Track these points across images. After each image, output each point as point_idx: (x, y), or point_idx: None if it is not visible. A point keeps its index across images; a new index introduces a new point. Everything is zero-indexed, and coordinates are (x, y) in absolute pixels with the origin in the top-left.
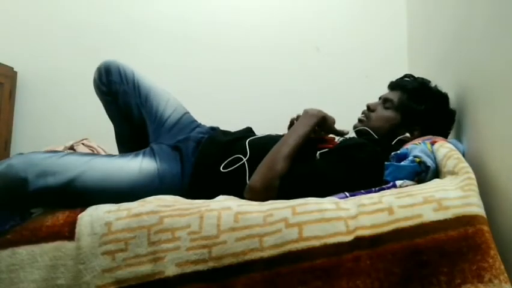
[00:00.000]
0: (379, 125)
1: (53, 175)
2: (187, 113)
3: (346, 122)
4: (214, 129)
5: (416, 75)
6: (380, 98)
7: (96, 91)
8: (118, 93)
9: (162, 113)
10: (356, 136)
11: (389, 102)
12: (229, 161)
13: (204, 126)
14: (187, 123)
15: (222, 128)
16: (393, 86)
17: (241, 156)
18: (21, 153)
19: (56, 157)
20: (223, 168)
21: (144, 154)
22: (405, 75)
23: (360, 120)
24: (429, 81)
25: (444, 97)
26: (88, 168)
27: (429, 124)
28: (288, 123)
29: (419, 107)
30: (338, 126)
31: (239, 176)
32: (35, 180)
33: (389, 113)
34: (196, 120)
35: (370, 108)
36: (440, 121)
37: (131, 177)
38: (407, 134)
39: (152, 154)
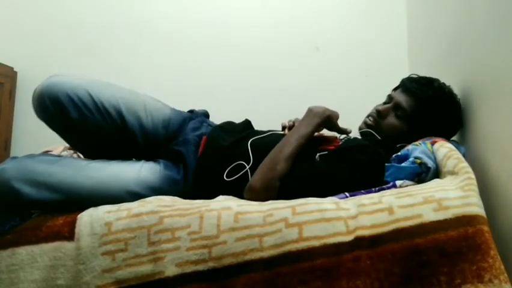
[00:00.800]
0: (388, 132)
1: (47, 186)
2: (172, 109)
3: (346, 122)
4: (206, 116)
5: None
6: (390, 98)
7: (49, 126)
8: (86, 129)
9: (149, 125)
10: (359, 137)
11: (401, 111)
12: (232, 167)
13: (194, 116)
14: (177, 119)
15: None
16: (407, 89)
17: (244, 164)
18: (15, 157)
19: (49, 163)
20: (226, 177)
21: (145, 162)
22: (421, 78)
23: (368, 125)
24: (444, 86)
25: (457, 108)
26: (83, 176)
27: (437, 133)
28: (287, 123)
29: (431, 121)
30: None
31: (242, 181)
32: (28, 191)
33: (400, 123)
34: (182, 112)
35: (382, 115)
36: (448, 131)
37: (129, 187)
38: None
39: (155, 163)
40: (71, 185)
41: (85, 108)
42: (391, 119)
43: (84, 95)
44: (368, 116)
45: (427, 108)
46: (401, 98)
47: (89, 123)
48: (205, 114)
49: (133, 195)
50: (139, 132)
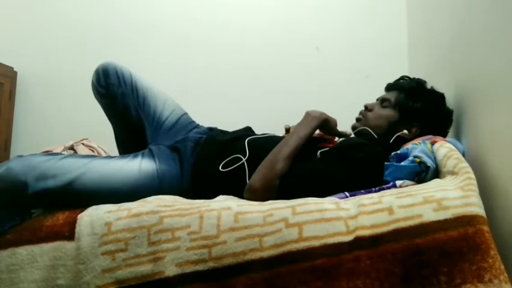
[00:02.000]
0: (377, 123)
1: (53, 177)
2: (185, 114)
3: (346, 122)
4: (212, 130)
5: (416, 76)
6: (377, 100)
7: (95, 94)
8: (117, 95)
9: (160, 114)
10: (355, 136)
11: (387, 102)
12: (228, 160)
13: (201, 127)
14: (185, 124)
15: (221, 127)
16: (390, 87)
17: (241, 156)
18: (20, 156)
19: (54, 160)
20: (222, 168)
21: (143, 155)
22: (402, 77)
23: (358, 120)
24: (425, 82)
25: (440, 96)
26: (87, 170)
27: (427, 122)
28: (286, 123)
29: (416, 104)
30: (338, 125)
31: (239, 175)
32: (34, 184)
33: (386, 111)
34: (194, 121)
35: (368, 108)
36: (437, 119)
37: (131, 178)
38: (405, 131)
39: (151, 155)
40: (76, 177)
41: (123, 80)
42: (377, 110)
43: (126, 72)
44: (358, 114)
45: (410, 95)
46: (386, 94)
47: (120, 91)
48: (212, 129)
49: (136, 187)
50: (151, 116)
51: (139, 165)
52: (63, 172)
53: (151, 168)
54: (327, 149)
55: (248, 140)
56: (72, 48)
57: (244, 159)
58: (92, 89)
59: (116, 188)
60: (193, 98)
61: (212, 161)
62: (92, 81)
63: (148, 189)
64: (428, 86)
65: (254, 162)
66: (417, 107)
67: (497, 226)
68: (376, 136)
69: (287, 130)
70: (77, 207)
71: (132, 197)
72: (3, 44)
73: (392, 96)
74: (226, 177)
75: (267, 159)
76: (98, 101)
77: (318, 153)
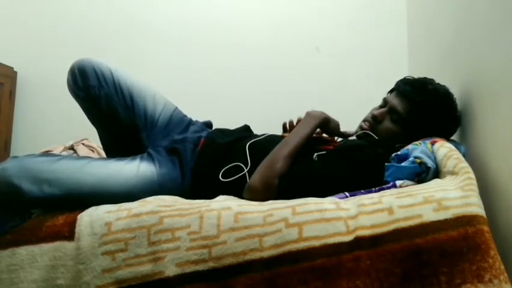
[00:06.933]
0: (384, 136)
1: (48, 183)
2: (176, 108)
3: (346, 122)
4: (207, 125)
5: (417, 76)
6: (385, 102)
7: (73, 96)
8: (100, 98)
9: (152, 112)
10: (356, 139)
11: (396, 114)
12: (229, 168)
13: (197, 122)
14: (178, 119)
15: (218, 126)
16: (401, 93)
17: (242, 166)
18: (16, 156)
19: (50, 162)
20: (222, 177)
21: (142, 158)
22: (415, 81)
23: (362, 129)
24: (439, 88)
25: (453, 109)
26: (84, 173)
27: (435, 134)
28: (288, 122)
29: (427, 123)
30: (339, 126)
31: (240, 182)
32: (29, 188)
33: (396, 127)
34: (186, 115)
35: (377, 120)
36: (445, 131)
37: (128, 182)
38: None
39: (151, 159)
40: (73, 181)
41: (103, 80)
42: (387, 124)
43: (106, 70)
44: (363, 121)
45: (422, 112)
46: (396, 101)
47: (103, 93)
48: (207, 124)
49: (133, 192)
50: (143, 116)
51: (137, 169)
52: (58, 177)
53: (150, 172)
54: (325, 152)
55: (249, 145)
56: (72, 48)
57: (246, 170)
58: (69, 91)
59: (114, 192)
60: (193, 98)
61: (212, 168)
62: (68, 82)
63: (146, 194)
64: (440, 89)
65: (255, 168)
66: (427, 127)
67: (497, 226)
68: (377, 137)
69: (284, 126)
70: (75, 210)
71: (130, 201)
72: (3, 44)
73: (403, 108)
74: (227, 184)
75: (267, 159)
76: (78, 103)
77: (315, 155)
